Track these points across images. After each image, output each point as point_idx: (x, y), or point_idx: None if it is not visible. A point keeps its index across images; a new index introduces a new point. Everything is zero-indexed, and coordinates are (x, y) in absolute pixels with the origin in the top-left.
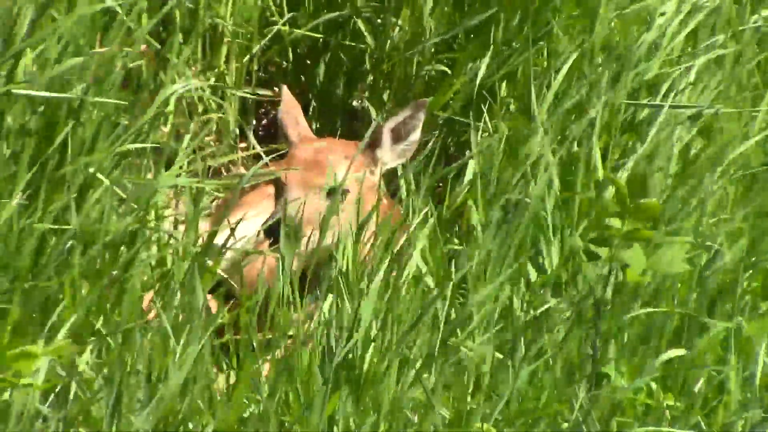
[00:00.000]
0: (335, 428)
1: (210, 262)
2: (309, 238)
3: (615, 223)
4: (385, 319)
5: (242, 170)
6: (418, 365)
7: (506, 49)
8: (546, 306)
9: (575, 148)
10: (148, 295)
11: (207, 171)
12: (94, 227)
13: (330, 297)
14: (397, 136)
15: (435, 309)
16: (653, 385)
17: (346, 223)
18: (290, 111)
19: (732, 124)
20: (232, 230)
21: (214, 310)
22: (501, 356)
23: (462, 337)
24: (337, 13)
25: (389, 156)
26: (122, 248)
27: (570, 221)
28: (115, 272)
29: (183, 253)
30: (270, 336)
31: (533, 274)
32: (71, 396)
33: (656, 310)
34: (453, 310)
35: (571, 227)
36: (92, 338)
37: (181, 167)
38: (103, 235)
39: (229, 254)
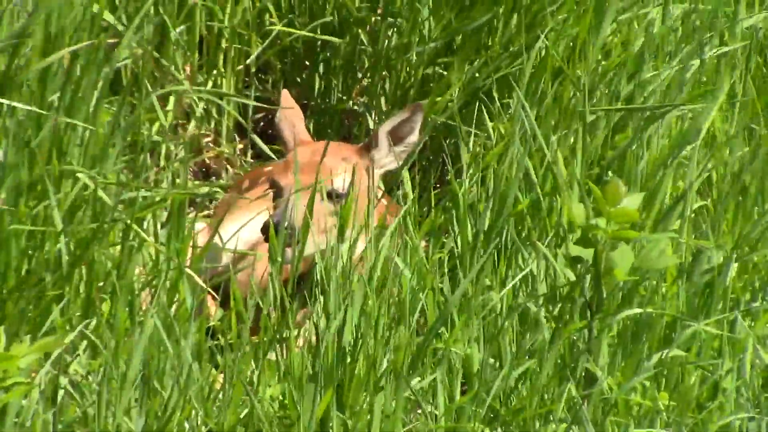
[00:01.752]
0: (330, 431)
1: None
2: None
3: (600, 223)
4: (376, 322)
5: (239, 172)
6: (406, 366)
7: (503, 52)
8: (531, 307)
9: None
10: (145, 295)
11: (204, 172)
12: (82, 228)
13: (319, 299)
14: (395, 139)
15: (422, 310)
16: (647, 384)
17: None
18: (288, 114)
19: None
20: (218, 233)
21: (211, 310)
22: (490, 357)
23: (449, 338)
24: (331, 18)
25: (386, 158)
26: (114, 249)
27: (553, 223)
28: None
29: (167, 257)
30: (264, 338)
31: (520, 276)
32: (66, 397)
33: (646, 311)
34: (440, 311)
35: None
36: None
37: (168, 167)
38: (91, 235)
39: (223, 256)
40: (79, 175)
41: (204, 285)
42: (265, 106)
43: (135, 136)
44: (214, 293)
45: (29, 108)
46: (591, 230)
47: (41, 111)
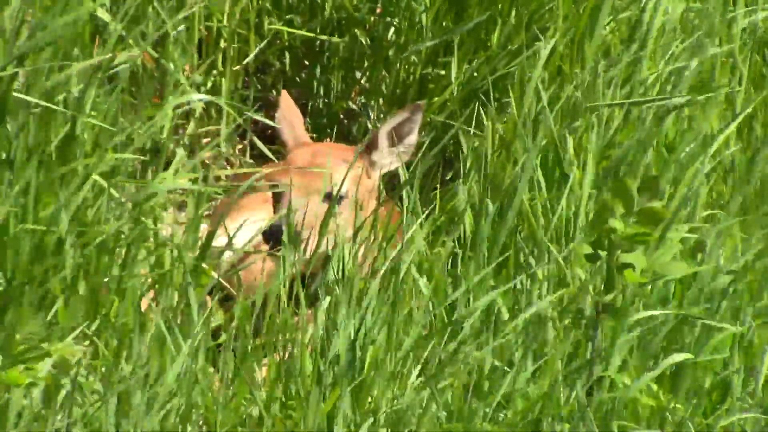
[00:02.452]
0: (334, 429)
1: (205, 266)
2: (308, 241)
3: (617, 225)
4: (390, 325)
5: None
6: (415, 368)
7: (501, 51)
8: (534, 307)
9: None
10: (147, 296)
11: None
12: (90, 228)
13: (326, 300)
14: (394, 139)
15: (430, 311)
16: (654, 387)
17: (345, 227)
18: (288, 116)
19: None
20: (228, 234)
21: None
22: (497, 360)
23: (456, 340)
24: (330, 17)
25: (386, 159)
26: (119, 249)
27: (562, 223)
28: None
29: (178, 256)
30: (267, 339)
31: (525, 276)
32: (68, 397)
33: (657, 312)
34: (446, 312)
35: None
36: (88, 339)
37: (177, 170)
38: (98, 236)
39: (227, 257)
40: (95, 176)
41: (221, 280)
42: (264, 100)
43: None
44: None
45: (44, 104)
46: (607, 231)
47: (56, 107)
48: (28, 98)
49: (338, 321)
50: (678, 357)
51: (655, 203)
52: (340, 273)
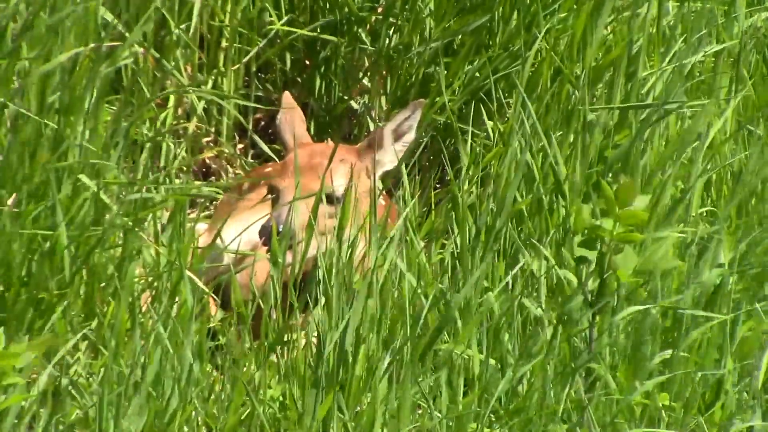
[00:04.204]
0: (331, 431)
1: (194, 268)
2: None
3: (606, 224)
4: (378, 323)
5: (239, 172)
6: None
7: (503, 52)
8: (529, 307)
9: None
10: (145, 297)
11: (204, 172)
12: (85, 229)
13: (320, 301)
14: (396, 138)
15: (424, 312)
16: (649, 386)
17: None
18: (289, 116)
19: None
20: (219, 234)
21: (213, 311)
22: (491, 359)
23: (450, 340)
24: (332, 17)
25: (389, 157)
26: (114, 250)
27: (555, 224)
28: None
29: (169, 257)
30: (265, 340)
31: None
32: (67, 398)
33: (649, 306)
34: (440, 312)
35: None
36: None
37: (179, 168)
38: (94, 238)
39: (225, 258)
40: (81, 176)
41: (204, 288)
42: (265, 107)
43: (135, 136)
44: (214, 295)
45: (28, 113)
46: (596, 232)
47: (39, 119)
48: (17, 107)
49: (330, 322)
50: (667, 354)
51: (637, 206)
52: (331, 274)
